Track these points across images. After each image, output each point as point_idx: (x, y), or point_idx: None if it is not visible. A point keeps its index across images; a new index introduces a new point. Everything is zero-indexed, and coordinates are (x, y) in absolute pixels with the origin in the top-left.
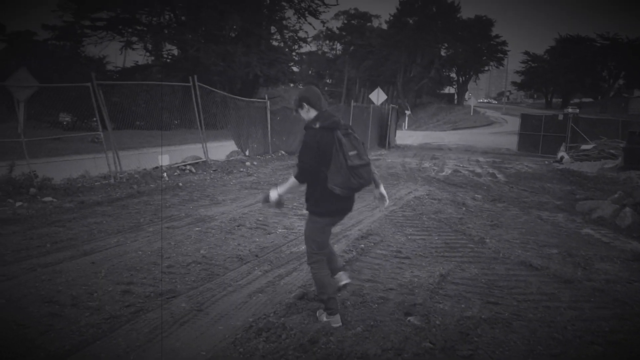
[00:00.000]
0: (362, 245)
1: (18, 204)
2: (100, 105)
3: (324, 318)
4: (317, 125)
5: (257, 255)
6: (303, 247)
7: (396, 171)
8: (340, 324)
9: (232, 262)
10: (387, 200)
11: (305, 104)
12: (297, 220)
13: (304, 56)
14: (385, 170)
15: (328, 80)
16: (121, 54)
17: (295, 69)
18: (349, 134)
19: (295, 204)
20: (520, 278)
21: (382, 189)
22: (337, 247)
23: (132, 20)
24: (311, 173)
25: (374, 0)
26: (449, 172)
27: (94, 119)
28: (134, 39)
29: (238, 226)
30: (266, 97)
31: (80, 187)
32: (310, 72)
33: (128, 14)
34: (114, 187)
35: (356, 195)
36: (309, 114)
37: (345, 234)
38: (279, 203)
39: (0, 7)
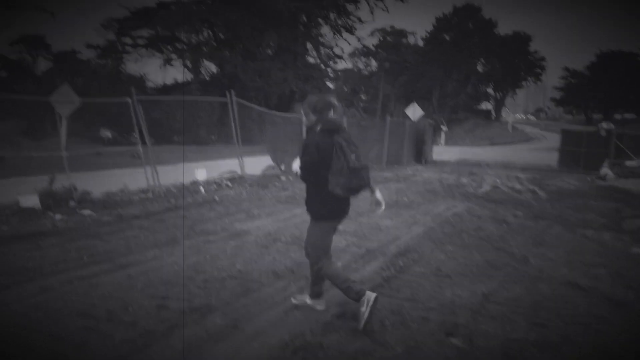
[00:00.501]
0: (401, 263)
1: (58, 217)
2: (139, 121)
3: (363, 308)
4: (319, 128)
5: (293, 271)
6: (340, 263)
7: (433, 187)
8: (375, 294)
9: (268, 278)
10: (384, 206)
11: (311, 112)
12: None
13: (339, 73)
14: (422, 186)
15: (363, 97)
16: (161, 70)
17: (330, 85)
18: (348, 139)
19: None
20: (567, 299)
21: (378, 195)
22: (374, 264)
23: (172, 38)
24: (310, 172)
25: (410, 17)
26: (488, 188)
27: (134, 134)
28: (174, 56)
29: (274, 241)
30: (302, 113)
31: (119, 200)
32: (345, 88)
33: (168, 32)
34: (152, 201)
35: (392, 211)
36: (311, 121)
37: (382, 250)
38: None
39: (48, 27)
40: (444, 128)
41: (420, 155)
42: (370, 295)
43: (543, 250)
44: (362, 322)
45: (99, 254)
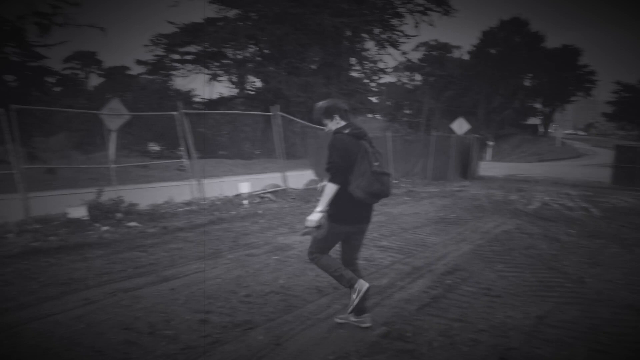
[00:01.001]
0: (449, 282)
1: (104, 228)
2: (186, 134)
3: (354, 295)
4: (347, 132)
5: (336, 288)
6: (385, 281)
7: (481, 203)
8: (367, 285)
9: (311, 294)
10: (311, 224)
11: (337, 115)
12: (377, 252)
13: (382, 87)
14: (469, 202)
15: (407, 111)
16: (207, 85)
17: (373, 99)
18: (374, 147)
19: (375, 234)
20: (630, 324)
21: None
22: (421, 283)
23: (218, 54)
24: (343, 172)
25: (455, 31)
26: (538, 205)
27: (180, 148)
28: (220, 71)
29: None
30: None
31: (164, 213)
32: (388, 102)
33: (215, 48)
34: (196, 214)
35: (440, 227)
36: (338, 125)
37: (430, 268)
38: (320, 226)
39: (100, 44)
40: (490, 143)
41: (466, 170)
42: (363, 285)
43: (600, 271)
44: (350, 309)
45: (143, 266)
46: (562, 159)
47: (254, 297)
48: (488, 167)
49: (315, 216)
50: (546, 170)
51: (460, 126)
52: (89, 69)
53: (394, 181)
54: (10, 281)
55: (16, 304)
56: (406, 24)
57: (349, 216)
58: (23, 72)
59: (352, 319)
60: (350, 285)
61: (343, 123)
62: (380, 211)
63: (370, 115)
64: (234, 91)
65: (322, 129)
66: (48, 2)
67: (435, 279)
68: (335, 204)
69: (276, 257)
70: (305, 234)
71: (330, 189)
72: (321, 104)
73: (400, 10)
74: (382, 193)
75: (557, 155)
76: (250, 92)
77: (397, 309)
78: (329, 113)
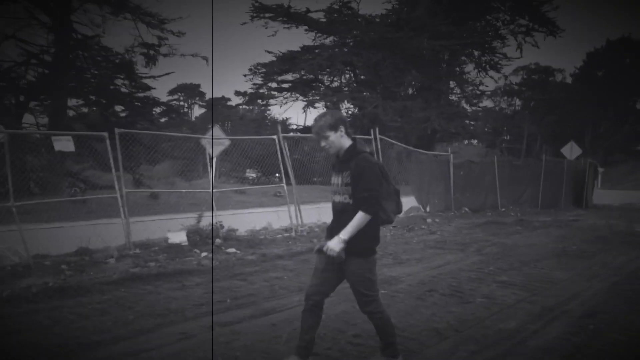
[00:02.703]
0: (591, 327)
1: (203, 254)
2: (285, 159)
3: None
4: (368, 151)
5: (457, 330)
6: (513, 324)
7: (603, 234)
8: None
9: (429, 336)
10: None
11: (342, 127)
12: (498, 288)
13: (479, 113)
14: (590, 233)
15: (506, 137)
16: (303, 114)
17: (471, 123)
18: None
19: (492, 267)
20: None
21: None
22: (558, 326)
23: (314, 81)
24: (379, 200)
25: (557, 53)
26: None
27: (277, 174)
28: (315, 98)
29: (429, 291)
30: (449, 151)
31: (263, 239)
32: (486, 128)
33: (312, 75)
34: (295, 241)
35: (563, 261)
36: (342, 139)
37: (562, 308)
38: (340, 255)
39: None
40: (600, 169)
41: (580, 198)
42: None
43: None
44: None
45: (242, 296)
46: None
47: (364, 337)
48: (599, 195)
49: (339, 245)
50: None
51: (571, 151)
52: (192, 101)
53: (502, 209)
54: (106, 310)
55: (110, 336)
56: (508, 45)
57: (379, 241)
58: (132, 103)
59: None
60: (395, 356)
61: (347, 139)
62: (492, 242)
63: (466, 142)
64: None
65: (425, 153)
66: (153, 34)
67: (574, 322)
68: (371, 234)
69: (383, 291)
70: (318, 251)
71: (363, 220)
72: (326, 113)
73: (502, 32)
74: (399, 212)
75: None
76: (347, 119)
77: None
78: (336, 125)
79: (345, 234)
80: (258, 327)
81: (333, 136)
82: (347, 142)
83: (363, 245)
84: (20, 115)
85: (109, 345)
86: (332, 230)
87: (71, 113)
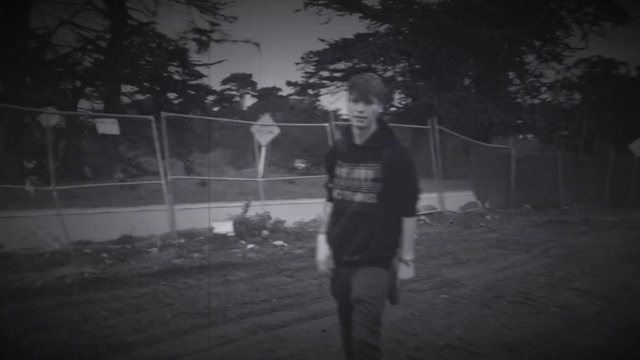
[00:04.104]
0: None
1: (249, 246)
2: None
3: None
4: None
5: (531, 345)
6: (600, 340)
7: None
8: None
9: (502, 353)
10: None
11: (384, 102)
12: (573, 296)
13: (537, 106)
14: None
15: (564, 132)
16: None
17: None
18: None
19: (563, 272)
20: None
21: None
22: None
23: (367, 70)
24: None
25: (621, 46)
26: None
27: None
28: None
29: (496, 298)
30: (511, 143)
31: (312, 232)
32: (542, 122)
33: (365, 64)
34: None
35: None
36: (376, 117)
37: None
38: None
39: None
40: None
41: None
42: None
43: None
44: None
45: (289, 295)
46: None
47: (425, 351)
48: None
49: (412, 273)
50: None
51: None
52: (244, 90)
53: (565, 207)
54: (143, 306)
55: (144, 337)
56: (572, 35)
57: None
58: (185, 91)
59: None
60: None
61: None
62: (559, 242)
63: (521, 136)
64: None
65: (485, 145)
66: (206, 19)
67: None
68: (395, 237)
69: (444, 295)
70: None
71: (415, 228)
72: (375, 76)
73: (566, 20)
74: None
75: None
76: (399, 109)
77: None
78: (382, 95)
79: (408, 253)
80: (306, 333)
81: (375, 106)
82: (374, 124)
83: (386, 253)
84: (75, 101)
85: (141, 347)
86: (342, 238)
87: (125, 99)
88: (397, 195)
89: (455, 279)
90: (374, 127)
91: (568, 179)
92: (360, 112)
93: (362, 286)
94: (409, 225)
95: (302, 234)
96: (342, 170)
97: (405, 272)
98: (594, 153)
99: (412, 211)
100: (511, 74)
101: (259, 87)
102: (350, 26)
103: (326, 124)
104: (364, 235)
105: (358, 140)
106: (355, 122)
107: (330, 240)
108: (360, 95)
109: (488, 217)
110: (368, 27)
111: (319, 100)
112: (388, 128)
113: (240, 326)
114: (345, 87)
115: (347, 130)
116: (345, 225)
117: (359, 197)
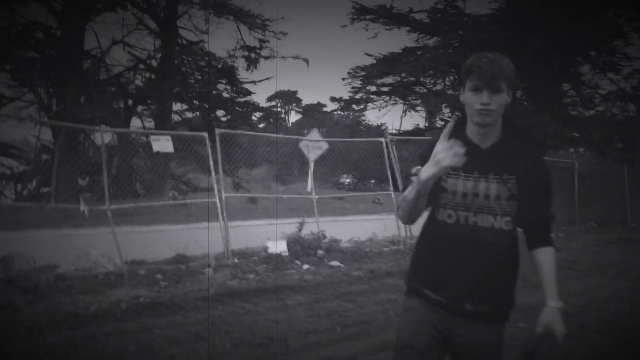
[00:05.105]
0: None
1: (305, 266)
2: (392, 163)
3: None
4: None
5: None
6: None
7: None
8: None
9: None
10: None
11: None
12: None
13: (588, 118)
14: None
15: (618, 145)
16: (403, 116)
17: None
18: None
19: None
20: None
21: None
22: None
23: (416, 84)
24: None
25: None
26: None
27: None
28: (417, 101)
29: (580, 328)
30: (574, 158)
31: (368, 252)
32: (594, 135)
33: (413, 77)
34: (404, 255)
35: None
36: (505, 104)
37: None
38: None
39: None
40: None
41: None
42: None
43: None
44: None
45: (353, 324)
46: None
47: None
48: None
49: (561, 322)
50: None
51: None
52: (289, 107)
53: (633, 225)
54: (200, 335)
55: None
56: (631, 44)
57: None
58: (233, 108)
59: None
60: None
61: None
62: (634, 264)
63: (572, 150)
64: (430, 121)
65: (547, 159)
66: (255, 36)
67: None
68: (515, 279)
69: (522, 324)
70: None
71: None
72: (505, 57)
73: (624, 29)
74: None
75: None
76: (446, 123)
77: None
78: (513, 82)
79: (555, 295)
80: None
81: (505, 95)
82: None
83: (508, 303)
84: (128, 119)
85: None
86: (459, 277)
87: (175, 117)
88: (531, 217)
89: (530, 305)
90: (499, 125)
91: (635, 195)
92: (486, 104)
93: (475, 350)
94: (551, 257)
95: (359, 254)
96: (457, 183)
97: (558, 324)
98: None
99: (548, 236)
100: (565, 86)
101: (303, 103)
102: (397, 40)
103: (382, 139)
104: (496, 274)
105: (480, 141)
106: (476, 118)
107: (435, 279)
108: (484, 81)
109: (552, 235)
110: (416, 41)
111: (363, 115)
112: (517, 125)
113: (305, 358)
114: (392, 102)
115: (458, 126)
116: (466, 259)
117: (487, 221)
